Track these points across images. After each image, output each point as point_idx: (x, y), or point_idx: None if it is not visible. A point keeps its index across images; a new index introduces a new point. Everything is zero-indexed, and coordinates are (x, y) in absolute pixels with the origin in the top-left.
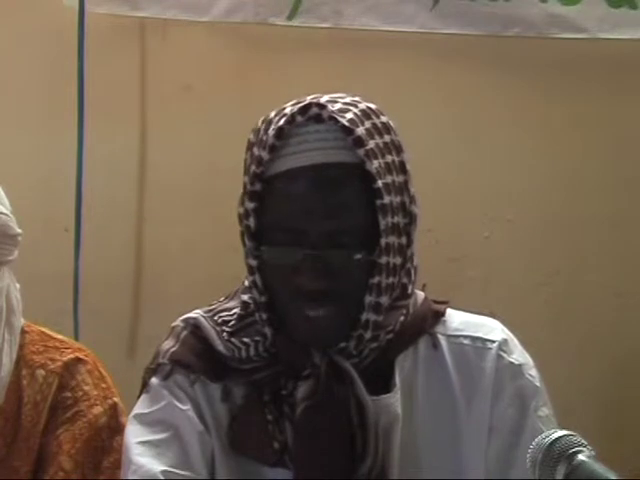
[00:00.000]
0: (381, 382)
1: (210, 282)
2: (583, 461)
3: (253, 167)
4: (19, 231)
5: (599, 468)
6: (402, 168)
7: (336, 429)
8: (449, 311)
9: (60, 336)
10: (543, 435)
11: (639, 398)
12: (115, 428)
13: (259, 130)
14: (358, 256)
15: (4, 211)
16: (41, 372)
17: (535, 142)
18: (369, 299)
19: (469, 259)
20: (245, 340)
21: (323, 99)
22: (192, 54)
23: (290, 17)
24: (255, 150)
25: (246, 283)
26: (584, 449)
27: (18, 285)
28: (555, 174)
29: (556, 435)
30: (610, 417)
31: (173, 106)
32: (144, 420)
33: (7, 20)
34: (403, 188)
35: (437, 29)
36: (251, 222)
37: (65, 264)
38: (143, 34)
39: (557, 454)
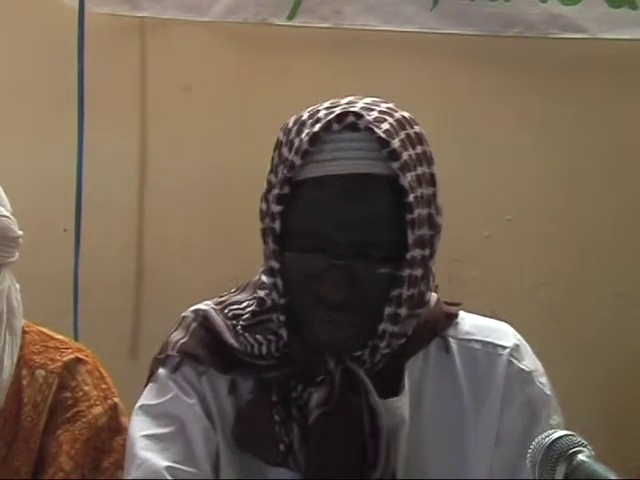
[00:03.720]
0: (390, 385)
1: (210, 282)
2: (583, 461)
3: (283, 170)
4: (20, 233)
5: (599, 468)
6: (432, 180)
7: (349, 437)
8: (461, 314)
9: (60, 336)
10: (543, 435)
11: (639, 398)
12: (115, 428)
13: (290, 131)
14: (384, 270)
15: (5, 213)
16: (41, 372)
17: (535, 142)
18: (389, 310)
19: (469, 259)
20: (258, 337)
21: (359, 106)
22: (192, 54)
23: (290, 17)
24: (285, 152)
25: (264, 279)
26: (584, 449)
27: (18, 286)
28: (555, 174)
29: (556, 435)
30: (610, 417)
31: (173, 106)
32: (150, 412)
33: (7, 20)
34: (431, 200)
35: (437, 29)
36: (276, 225)
37: (65, 264)
38: (143, 34)
39: (557, 454)
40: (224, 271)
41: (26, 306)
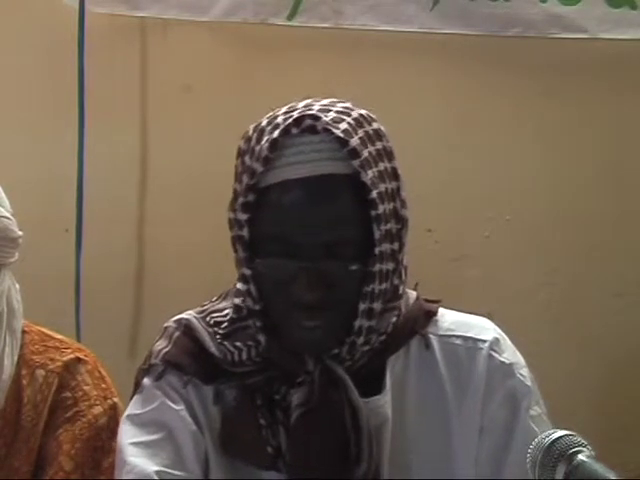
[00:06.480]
0: (372, 383)
1: (211, 282)
2: (583, 461)
3: (246, 178)
4: (20, 234)
5: (599, 468)
6: (394, 174)
7: (331, 434)
8: (441, 310)
9: (60, 336)
10: (543, 435)
11: (639, 398)
12: (115, 429)
13: (250, 139)
14: (354, 267)
15: (5, 214)
16: (41, 372)
17: (535, 142)
18: (363, 306)
19: (469, 259)
20: (237, 344)
21: (316, 108)
22: (192, 54)
23: (290, 17)
24: (247, 159)
25: (238, 286)
26: (584, 449)
27: (18, 286)
28: (555, 174)
29: (556, 435)
30: (610, 417)
31: (173, 106)
32: (137, 421)
33: (7, 20)
34: (395, 194)
35: (437, 29)
36: (245, 233)
37: (66, 264)
38: (143, 34)
39: (557, 454)
40: (224, 272)
41: (26, 306)
